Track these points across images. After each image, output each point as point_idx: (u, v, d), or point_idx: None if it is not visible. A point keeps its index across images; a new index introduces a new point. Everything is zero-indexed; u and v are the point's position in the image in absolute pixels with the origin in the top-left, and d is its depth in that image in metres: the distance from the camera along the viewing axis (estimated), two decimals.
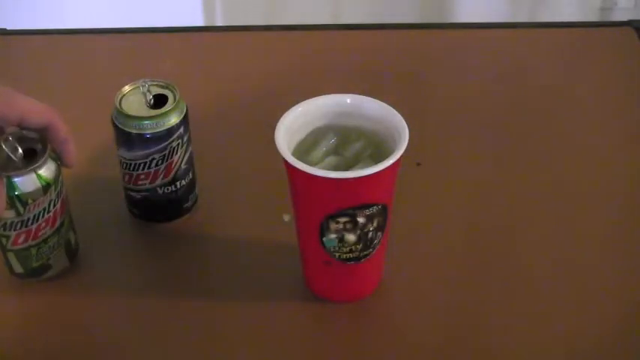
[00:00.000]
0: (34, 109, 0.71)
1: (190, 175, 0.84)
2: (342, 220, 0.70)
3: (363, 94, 0.74)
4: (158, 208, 0.84)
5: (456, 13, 1.89)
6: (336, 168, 0.71)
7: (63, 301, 0.78)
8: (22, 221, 0.74)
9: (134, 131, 0.78)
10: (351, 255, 0.73)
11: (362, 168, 0.68)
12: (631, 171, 0.91)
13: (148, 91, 0.80)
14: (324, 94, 0.75)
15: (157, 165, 0.80)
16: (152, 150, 0.79)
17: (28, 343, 0.75)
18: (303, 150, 0.73)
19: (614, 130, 0.96)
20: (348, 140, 0.74)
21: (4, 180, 0.71)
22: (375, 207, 0.70)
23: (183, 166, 0.82)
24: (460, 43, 1.12)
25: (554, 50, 1.09)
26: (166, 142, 0.79)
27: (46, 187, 0.73)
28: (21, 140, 0.74)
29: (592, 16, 1.89)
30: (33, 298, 0.79)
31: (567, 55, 1.08)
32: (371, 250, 0.73)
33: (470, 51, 1.10)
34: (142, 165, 0.80)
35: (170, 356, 0.74)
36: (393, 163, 0.68)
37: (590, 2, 1.88)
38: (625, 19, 1.12)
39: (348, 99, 0.75)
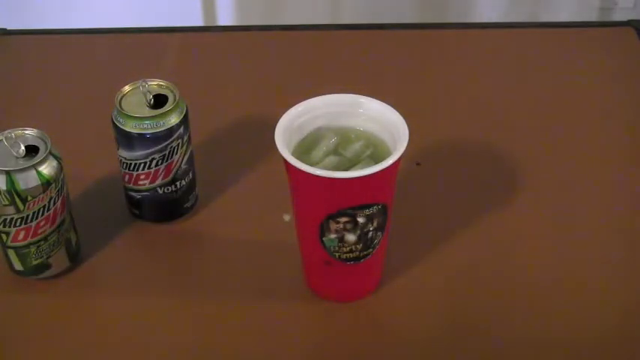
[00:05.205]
0: None
1: (190, 175, 0.84)
2: (342, 220, 0.70)
3: (363, 94, 0.75)
4: (158, 208, 0.84)
5: (456, 13, 1.89)
6: (336, 168, 0.71)
7: (63, 301, 0.78)
8: (22, 218, 0.74)
9: (134, 131, 0.78)
10: (351, 255, 0.73)
11: (362, 168, 0.69)
12: (631, 170, 0.91)
13: (148, 91, 0.80)
14: (324, 94, 0.75)
15: (157, 165, 0.80)
16: (152, 150, 0.79)
17: (28, 342, 0.75)
18: (303, 150, 0.73)
19: (614, 130, 0.96)
20: (348, 140, 0.74)
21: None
22: (375, 207, 0.70)
23: (183, 166, 0.82)
24: (460, 43, 1.12)
25: (554, 50, 1.09)
26: (166, 142, 0.79)
27: (46, 184, 0.74)
28: (23, 137, 0.74)
29: (592, 16, 1.88)
30: (33, 298, 0.79)
31: (567, 55, 1.08)
32: (371, 250, 0.73)
33: (470, 51, 1.10)
34: (142, 165, 0.80)
35: (170, 356, 0.74)
36: (393, 163, 0.68)
37: (590, 2, 1.87)
38: (625, 19, 1.12)
39: (348, 99, 0.75)
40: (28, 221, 0.75)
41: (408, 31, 1.16)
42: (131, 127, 0.78)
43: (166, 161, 0.80)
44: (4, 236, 0.76)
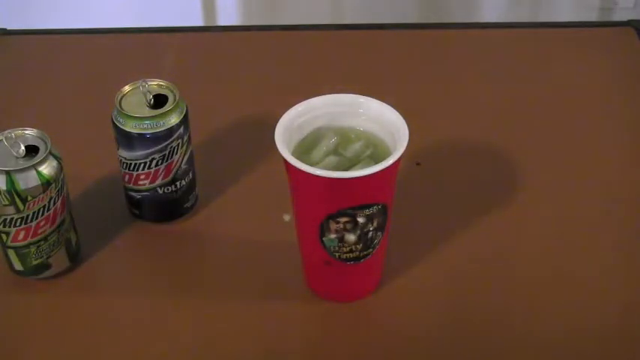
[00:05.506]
0: None
1: (190, 175, 0.84)
2: (342, 220, 0.70)
3: (363, 94, 0.75)
4: (158, 208, 0.84)
5: (456, 13, 1.89)
6: (336, 168, 0.71)
7: (63, 301, 0.78)
8: (22, 218, 0.74)
9: (134, 131, 0.78)
10: (351, 255, 0.73)
11: (362, 168, 0.69)
12: (631, 171, 0.91)
13: (148, 91, 0.80)
14: (324, 94, 0.75)
15: (157, 165, 0.80)
16: (152, 150, 0.79)
17: (28, 342, 0.75)
18: (303, 150, 0.73)
19: (614, 130, 0.96)
20: (348, 140, 0.74)
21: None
22: (375, 207, 0.70)
23: (183, 166, 0.82)
24: (460, 43, 1.12)
25: (554, 50, 1.09)
26: (166, 142, 0.79)
27: (46, 184, 0.74)
28: (23, 137, 0.74)
29: (592, 16, 1.88)
30: (33, 298, 0.79)
31: (567, 55, 1.08)
32: (371, 250, 0.73)
33: (470, 51, 1.10)
34: (142, 165, 0.80)
35: (170, 356, 0.74)
36: (393, 163, 0.68)
37: (590, 2, 1.87)
38: (625, 19, 1.12)
39: (348, 99, 0.75)
40: (28, 221, 0.75)
41: (408, 31, 1.16)
42: (131, 127, 0.78)
43: (166, 161, 0.80)
44: (4, 236, 0.76)
